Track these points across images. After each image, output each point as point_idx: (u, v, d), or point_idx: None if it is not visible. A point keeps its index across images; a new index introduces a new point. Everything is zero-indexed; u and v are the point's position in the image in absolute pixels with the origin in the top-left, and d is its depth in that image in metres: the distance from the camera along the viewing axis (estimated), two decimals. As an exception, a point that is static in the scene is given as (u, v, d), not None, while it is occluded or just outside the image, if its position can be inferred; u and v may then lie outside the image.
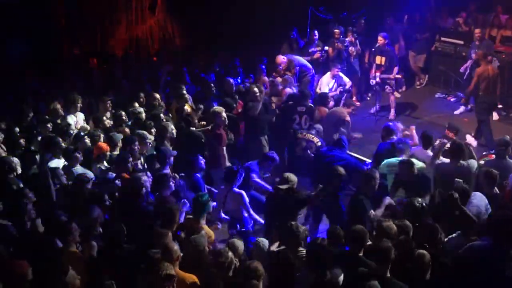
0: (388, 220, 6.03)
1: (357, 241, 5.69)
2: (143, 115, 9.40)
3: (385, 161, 8.03)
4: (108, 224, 6.28)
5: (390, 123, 9.22)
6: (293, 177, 7.22)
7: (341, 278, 5.44)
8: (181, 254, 5.50)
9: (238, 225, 7.46)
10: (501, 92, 12.07)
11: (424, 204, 6.42)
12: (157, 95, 10.42)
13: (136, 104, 9.91)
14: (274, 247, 6.16)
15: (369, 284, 4.92)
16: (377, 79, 12.04)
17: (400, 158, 7.75)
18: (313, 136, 9.52)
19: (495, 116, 11.85)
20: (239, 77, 12.30)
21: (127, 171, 7.48)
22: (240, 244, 5.94)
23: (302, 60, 12.36)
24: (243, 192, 7.55)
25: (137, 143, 8.09)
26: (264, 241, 6.26)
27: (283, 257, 5.58)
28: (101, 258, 5.69)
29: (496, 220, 5.50)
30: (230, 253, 5.47)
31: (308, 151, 9.32)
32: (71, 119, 9.52)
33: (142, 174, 7.08)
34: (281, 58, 12.18)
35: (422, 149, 8.25)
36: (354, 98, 13.19)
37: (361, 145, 10.77)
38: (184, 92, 10.25)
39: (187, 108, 9.86)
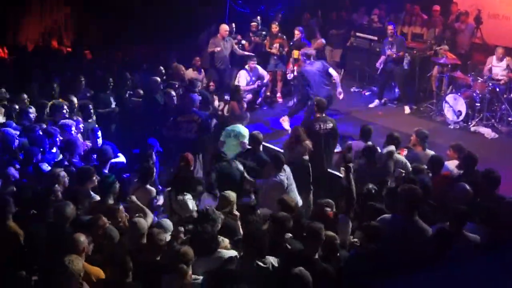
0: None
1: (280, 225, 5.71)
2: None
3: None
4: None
5: None
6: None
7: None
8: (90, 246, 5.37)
9: None
10: (412, 86, 12.61)
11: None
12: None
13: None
14: None
15: (295, 272, 4.89)
16: (295, 73, 12.16)
17: None
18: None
19: (406, 109, 12.29)
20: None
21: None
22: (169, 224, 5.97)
23: None
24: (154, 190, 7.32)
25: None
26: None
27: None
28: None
29: (403, 193, 5.80)
30: (165, 235, 5.50)
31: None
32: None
33: (59, 170, 6.85)
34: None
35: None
36: (278, 94, 13.19)
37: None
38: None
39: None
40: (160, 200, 7.27)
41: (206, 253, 5.45)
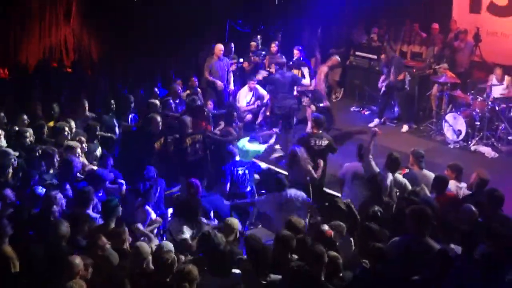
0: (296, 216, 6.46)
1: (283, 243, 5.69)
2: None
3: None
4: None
5: None
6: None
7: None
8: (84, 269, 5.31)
9: None
10: (411, 106, 12.58)
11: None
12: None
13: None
14: None
15: None
16: (294, 93, 12.09)
17: None
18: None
19: (404, 128, 12.27)
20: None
21: None
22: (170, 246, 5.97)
23: None
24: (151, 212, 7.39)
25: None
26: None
27: None
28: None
29: (412, 213, 5.80)
30: (173, 254, 5.48)
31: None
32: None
33: (55, 192, 6.84)
34: None
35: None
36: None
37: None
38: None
39: None
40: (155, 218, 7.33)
41: (221, 274, 5.47)
